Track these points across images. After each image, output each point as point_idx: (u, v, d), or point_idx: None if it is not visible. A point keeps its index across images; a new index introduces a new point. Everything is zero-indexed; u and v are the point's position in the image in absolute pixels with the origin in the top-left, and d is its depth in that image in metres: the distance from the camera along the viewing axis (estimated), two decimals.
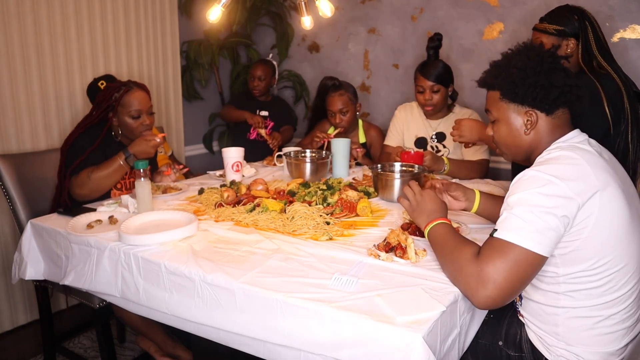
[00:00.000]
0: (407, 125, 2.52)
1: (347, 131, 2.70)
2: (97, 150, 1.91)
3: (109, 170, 1.85)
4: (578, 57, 1.80)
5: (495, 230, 1.10)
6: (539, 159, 1.17)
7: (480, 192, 1.48)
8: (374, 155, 2.73)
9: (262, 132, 2.91)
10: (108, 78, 2.41)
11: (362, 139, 2.74)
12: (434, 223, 1.27)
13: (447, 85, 2.34)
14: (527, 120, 1.21)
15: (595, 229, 1.07)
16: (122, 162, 1.86)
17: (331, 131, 2.65)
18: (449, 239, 1.20)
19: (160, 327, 1.91)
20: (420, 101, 2.37)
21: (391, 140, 2.55)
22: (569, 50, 1.80)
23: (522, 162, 1.29)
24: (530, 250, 1.04)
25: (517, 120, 1.22)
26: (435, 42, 2.35)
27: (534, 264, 1.05)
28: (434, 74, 2.30)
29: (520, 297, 1.27)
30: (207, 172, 2.42)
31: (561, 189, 1.06)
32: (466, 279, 1.08)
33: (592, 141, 1.23)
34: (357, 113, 2.70)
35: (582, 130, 1.25)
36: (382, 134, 2.69)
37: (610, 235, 1.09)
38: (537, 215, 1.05)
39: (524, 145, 1.24)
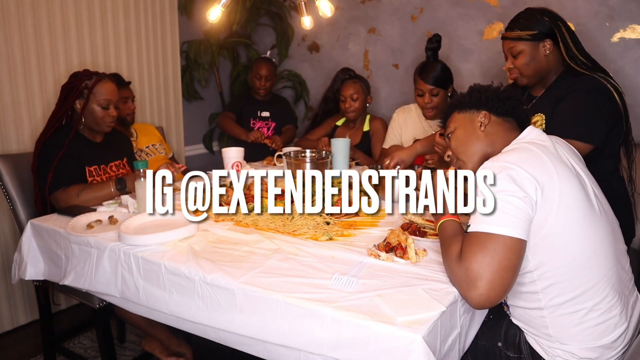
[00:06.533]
0: (406, 128, 2.52)
1: (354, 121, 2.79)
2: (66, 152, 1.89)
3: (98, 194, 1.85)
4: (563, 55, 1.70)
5: (469, 226, 1.11)
6: (497, 155, 1.20)
7: None
8: (374, 144, 2.76)
9: (267, 142, 2.93)
10: (115, 76, 2.42)
11: (365, 127, 2.80)
12: (442, 220, 1.27)
13: (446, 88, 2.34)
14: (482, 118, 1.31)
15: (559, 216, 1.09)
16: (113, 190, 1.86)
17: (340, 123, 2.81)
18: (445, 239, 1.20)
19: (163, 325, 1.91)
20: (420, 104, 2.38)
21: (389, 144, 2.56)
22: (547, 53, 1.70)
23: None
24: (507, 235, 1.05)
25: (473, 121, 1.33)
26: (433, 43, 2.35)
27: (514, 250, 1.06)
28: (433, 77, 2.30)
29: (508, 307, 1.28)
30: (207, 172, 2.41)
31: (519, 173, 1.09)
32: (458, 282, 1.09)
33: (552, 137, 1.27)
34: (367, 105, 2.78)
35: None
36: (385, 125, 2.73)
37: (573, 223, 1.11)
38: (503, 200, 1.07)
39: (480, 142, 1.30)
